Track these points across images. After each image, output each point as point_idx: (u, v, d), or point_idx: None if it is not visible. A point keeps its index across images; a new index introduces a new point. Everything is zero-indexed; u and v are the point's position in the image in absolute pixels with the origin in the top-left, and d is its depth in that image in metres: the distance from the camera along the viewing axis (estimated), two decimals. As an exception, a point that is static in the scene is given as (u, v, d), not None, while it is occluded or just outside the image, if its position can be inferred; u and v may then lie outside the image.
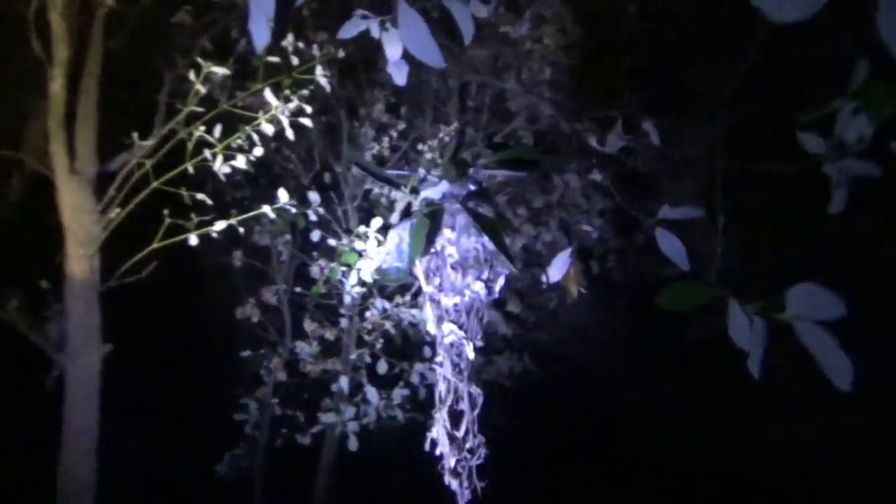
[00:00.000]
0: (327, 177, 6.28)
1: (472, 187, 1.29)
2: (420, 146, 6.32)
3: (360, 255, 5.05)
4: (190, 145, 3.56)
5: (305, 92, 3.79)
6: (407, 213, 1.26)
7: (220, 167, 3.60)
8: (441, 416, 1.21)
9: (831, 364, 1.16)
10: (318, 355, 5.54)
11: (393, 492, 5.36)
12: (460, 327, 1.23)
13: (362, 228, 5.04)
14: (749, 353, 1.29)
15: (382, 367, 5.19)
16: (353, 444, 4.71)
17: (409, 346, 5.47)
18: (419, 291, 5.77)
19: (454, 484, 1.30)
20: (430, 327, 1.23)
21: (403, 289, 5.72)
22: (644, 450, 6.09)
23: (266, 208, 3.73)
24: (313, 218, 4.92)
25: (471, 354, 1.19)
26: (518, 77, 6.16)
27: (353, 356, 5.24)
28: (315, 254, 5.84)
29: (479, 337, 1.24)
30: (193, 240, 3.63)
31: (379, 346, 5.43)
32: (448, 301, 1.20)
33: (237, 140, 3.71)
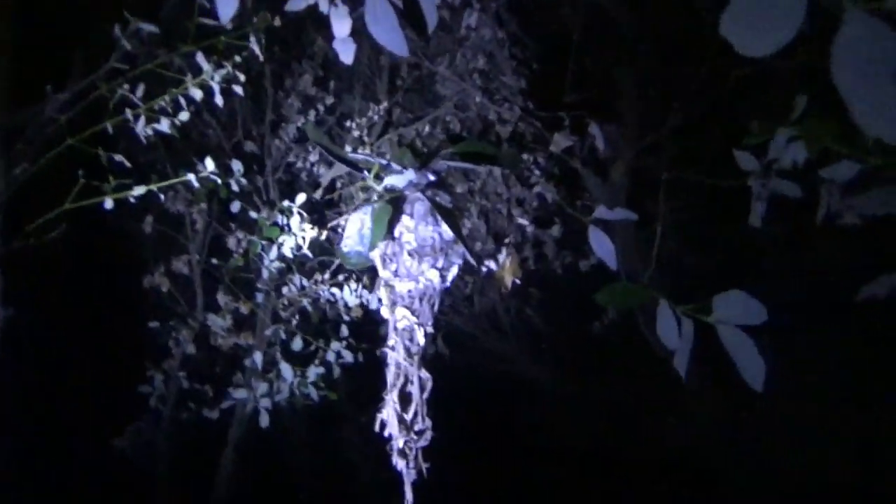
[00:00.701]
0: (249, 147, 6.11)
1: (432, 177, 1.30)
2: (348, 123, 6.24)
3: (282, 229, 4.96)
4: (111, 104, 3.38)
5: (238, 59, 3.67)
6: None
7: (143, 129, 3.44)
8: (391, 399, 1.23)
9: (747, 366, 1.26)
10: (231, 329, 5.40)
11: (301, 470, 5.34)
12: (413, 313, 1.25)
13: (286, 203, 4.95)
14: (676, 352, 1.37)
15: (298, 344, 5.13)
16: (264, 420, 4.65)
17: (326, 324, 5.43)
18: (339, 269, 5.73)
19: (401, 464, 1.33)
20: (385, 312, 1.24)
21: (323, 266, 5.66)
22: (544, 437, 6.32)
23: (191, 176, 3.59)
24: (235, 188, 4.78)
25: (421, 340, 1.21)
26: (451, 62, 6.17)
27: (268, 332, 5.15)
28: (233, 225, 5.68)
29: (430, 323, 1.26)
30: (109, 203, 3.45)
31: (295, 322, 5.36)
32: (402, 287, 1.22)
33: (161, 102, 3.56)
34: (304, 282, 5.41)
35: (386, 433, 1.24)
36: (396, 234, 1.27)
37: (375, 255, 1.16)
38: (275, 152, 6.15)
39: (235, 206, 5.10)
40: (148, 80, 3.42)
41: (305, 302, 5.41)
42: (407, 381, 1.27)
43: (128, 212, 4.60)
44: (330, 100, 6.46)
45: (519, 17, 5.28)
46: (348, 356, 5.36)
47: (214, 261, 5.28)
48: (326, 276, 5.57)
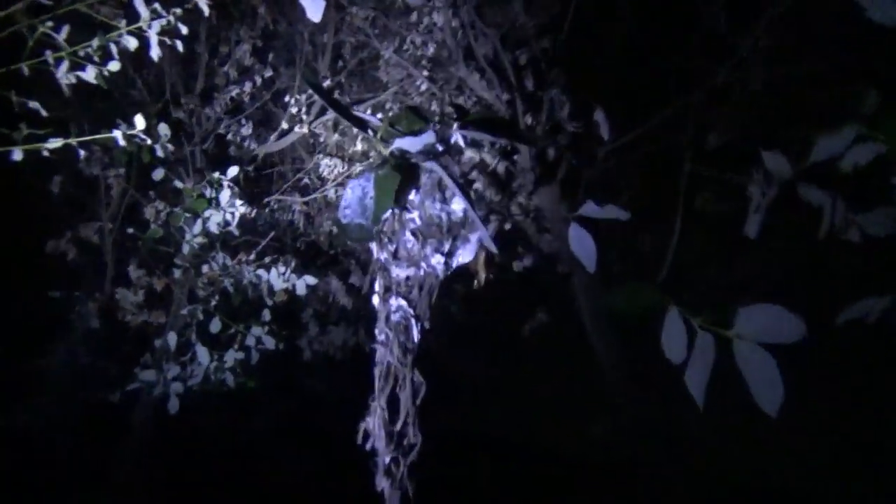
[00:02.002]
0: (177, 113, 5.70)
1: (439, 146, 1.14)
2: (286, 98, 5.94)
3: (209, 202, 4.63)
4: (30, 43, 3.00)
5: (178, 10, 3.35)
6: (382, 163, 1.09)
7: (65, 76, 3.08)
8: (379, 405, 1.05)
9: (763, 388, 1.16)
10: (142, 306, 5.02)
11: (208, 459, 5.01)
12: (410, 304, 1.08)
13: (216, 175, 4.62)
14: (689, 370, 1.25)
15: (216, 326, 4.81)
16: (173, 405, 4.31)
17: (248, 307, 5.12)
18: (265, 249, 5.43)
19: (385, 484, 1.11)
20: (376, 300, 1.07)
21: (249, 245, 5.35)
22: (470, 428, 6.21)
23: (117, 133, 3.25)
24: (160, 154, 4.42)
25: (417, 336, 1.05)
26: (399, 47, 5.97)
27: (183, 311, 4.80)
28: (152, 194, 5.29)
29: (427, 318, 1.10)
30: (18, 154, 3.08)
31: (214, 303, 5.03)
32: (401, 272, 1.06)
33: (88, 49, 3.20)
34: (228, 261, 5.09)
35: (369, 446, 1.06)
36: (398, 210, 1.10)
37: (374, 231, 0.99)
38: (205, 121, 5.78)
39: (158, 174, 4.72)
40: (75, 21, 3.06)
41: (227, 282, 5.08)
42: (397, 383, 1.10)
43: (37, 168, 4.17)
44: (268, 73, 6.13)
45: (476, 5, 5.14)
46: (269, 342, 5.07)
47: (130, 230, 4.88)
48: (252, 255, 5.26)
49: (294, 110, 6.00)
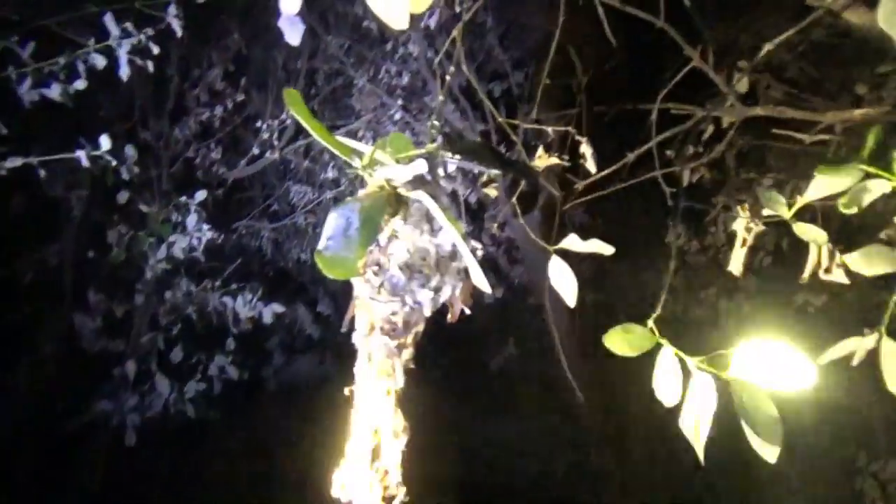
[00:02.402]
0: (144, 135, 5.57)
1: (427, 175, 1.09)
2: (258, 123, 5.86)
3: (175, 226, 4.51)
4: (-7, 57, 2.90)
5: (150, 31, 3.28)
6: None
7: (28, 92, 2.98)
8: (356, 452, 0.95)
9: (763, 434, 1.11)
10: (101, 332, 4.84)
11: (163, 498, 4.79)
12: (393, 341, 1.01)
13: (183, 199, 4.51)
14: (686, 417, 1.18)
15: (178, 355, 4.65)
16: (130, 438, 4.13)
17: (212, 335, 4.97)
18: (232, 276, 5.28)
19: None
20: (357, 339, 0.99)
21: (214, 272, 5.21)
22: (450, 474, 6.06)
23: (80, 153, 3.14)
24: (125, 176, 4.31)
25: (401, 378, 0.97)
26: (374, 76, 5.96)
27: (144, 339, 4.64)
28: (116, 217, 5.13)
29: (411, 356, 1.02)
30: (-26, 173, 2.95)
31: (176, 331, 4.87)
32: (385, 308, 0.99)
33: (53, 66, 3.11)
34: (192, 287, 4.94)
35: (345, 498, 0.98)
36: (383, 240, 1.03)
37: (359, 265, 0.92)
38: (173, 144, 5.66)
39: (123, 196, 4.60)
40: (42, 36, 2.97)
41: (190, 309, 4.93)
42: (378, 429, 1.03)
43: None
44: (240, 97, 6.05)
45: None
46: (233, 372, 4.92)
47: (91, 254, 4.71)
48: (218, 282, 5.13)
49: (265, 135, 5.93)
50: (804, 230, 1.48)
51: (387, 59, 6.01)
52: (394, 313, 1.09)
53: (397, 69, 5.96)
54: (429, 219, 1.09)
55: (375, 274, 1.06)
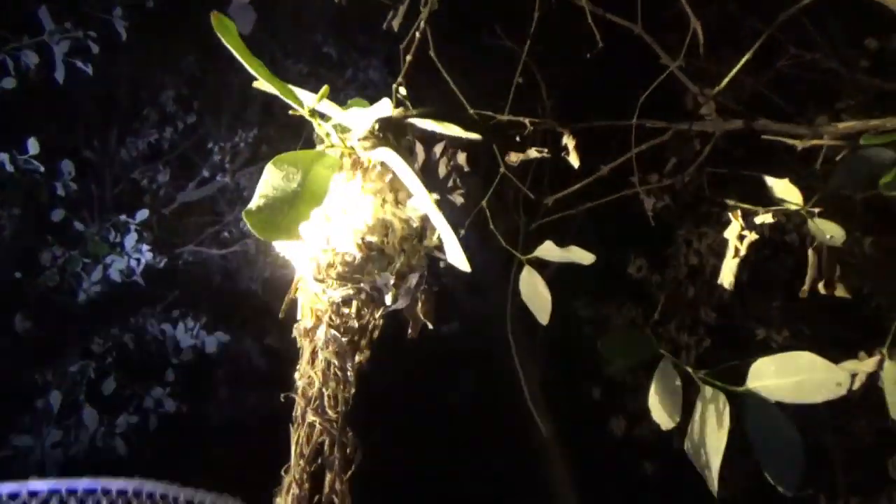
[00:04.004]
0: (85, 152, 5.29)
1: (390, 134, 0.93)
2: (210, 145, 5.64)
3: (112, 248, 4.23)
4: None
5: (93, 33, 3.08)
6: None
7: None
8: (294, 479, 0.78)
9: (779, 461, 0.95)
10: (24, 359, 4.47)
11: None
12: (344, 337, 0.84)
13: (123, 218, 4.25)
14: (691, 441, 1.02)
15: (110, 386, 4.31)
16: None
17: (150, 365, 4.65)
18: (174, 303, 4.98)
19: None
20: (298, 332, 0.82)
21: (156, 298, 4.91)
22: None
23: (2, 156, 2.88)
24: (61, 192, 4.04)
25: (353, 383, 0.80)
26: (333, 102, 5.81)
27: (73, 368, 4.29)
28: (50, 237, 4.80)
29: (366, 355, 0.85)
30: None
31: (110, 360, 4.53)
32: (335, 294, 0.81)
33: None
34: (130, 313, 4.64)
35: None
36: (341, 210, 0.85)
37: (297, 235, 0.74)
38: (118, 163, 5.38)
39: (57, 215, 4.30)
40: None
41: (127, 337, 4.61)
42: (323, 448, 0.84)
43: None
44: (191, 119, 5.83)
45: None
46: (170, 405, 4.60)
47: (18, 275, 4.38)
48: (158, 308, 4.83)
49: (217, 158, 5.70)
50: (821, 226, 1.35)
51: (347, 86, 5.89)
52: (346, 302, 0.90)
53: (357, 96, 5.83)
54: (392, 188, 0.92)
55: (323, 251, 0.87)
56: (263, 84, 0.89)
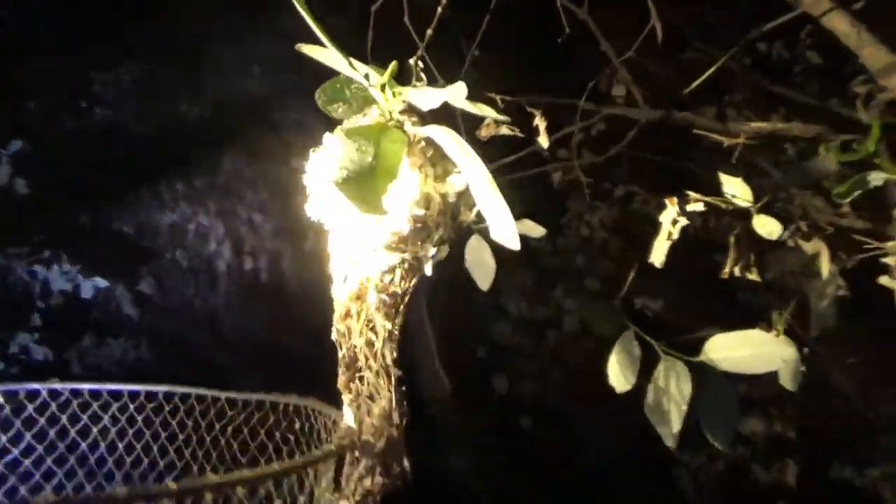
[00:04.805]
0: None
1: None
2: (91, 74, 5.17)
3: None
4: None
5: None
6: None
7: None
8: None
9: (720, 421, 1.11)
10: None
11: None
12: (387, 306, 0.84)
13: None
14: (651, 404, 1.15)
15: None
16: None
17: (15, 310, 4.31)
18: (47, 243, 4.60)
19: None
20: (338, 293, 0.81)
21: (24, 237, 4.52)
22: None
23: None
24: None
25: (391, 354, 0.79)
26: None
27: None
28: None
29: (402, 320, 0.85)
30: None
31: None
32: (382, 262, 0.81)
33: None
34: (-6, 252, 4.25)
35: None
36: (398, 186, 0.85)
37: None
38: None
39: None
40: None
41: (-10, 276, 4.23)
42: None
43: None
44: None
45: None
46: (38, 352, 4.30)
47: None
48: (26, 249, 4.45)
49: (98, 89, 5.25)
50: (764, 222, 1.53)
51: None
52: (391, 269, 0.93)
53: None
54: (433, 163, 0.95)
55: (377, 222, 0.90)
56: (324, 55, 0.88)
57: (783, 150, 2.90)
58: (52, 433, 1.99)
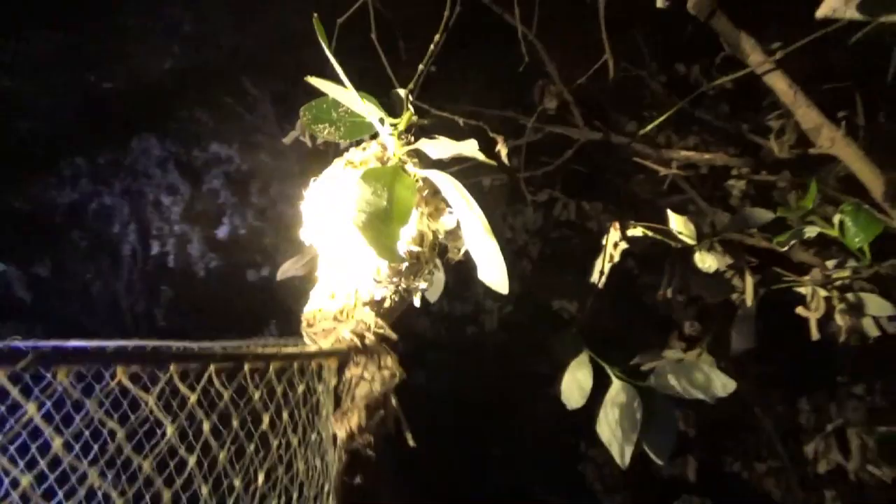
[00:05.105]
0: None
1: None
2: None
3: None
4: None
5: None
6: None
7: None
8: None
9: (661, 438, 1.21)
10: None
11: None
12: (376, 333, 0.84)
13: None
14: (602, 422, 1.24)
15: None
16: None
17: None
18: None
19: None
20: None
21: None
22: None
23: None
24: None
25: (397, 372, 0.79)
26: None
27: None
28: None
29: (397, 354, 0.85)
30: None
31: None
32: (376, 293, 0.81)
33: None
34: None
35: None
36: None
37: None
38: None
39: None
40: None
41: None
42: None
43: None
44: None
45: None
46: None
47: None
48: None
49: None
50: (704, 258, 1.65)
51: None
52: (383, 299, 0.96)
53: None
54: (426, 202, 0.98)
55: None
56: (333, 90, 0.88)
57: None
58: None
